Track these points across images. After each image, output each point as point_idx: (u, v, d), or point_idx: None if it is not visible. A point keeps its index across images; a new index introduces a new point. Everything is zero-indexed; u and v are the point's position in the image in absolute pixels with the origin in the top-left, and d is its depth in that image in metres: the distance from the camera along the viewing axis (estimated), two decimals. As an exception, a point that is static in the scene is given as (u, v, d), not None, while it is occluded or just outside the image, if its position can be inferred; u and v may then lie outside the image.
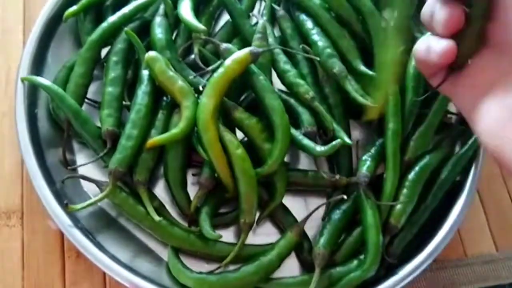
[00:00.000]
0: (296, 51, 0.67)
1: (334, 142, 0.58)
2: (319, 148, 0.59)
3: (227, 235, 0.61)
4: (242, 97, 0.67)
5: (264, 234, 0.62)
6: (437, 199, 0.63)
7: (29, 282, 0.59)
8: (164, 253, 0.60)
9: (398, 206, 0.60)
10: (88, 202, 0.56)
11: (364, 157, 0.62)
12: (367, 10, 0.68)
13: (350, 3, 0.69)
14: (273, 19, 0.72)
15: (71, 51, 0.70)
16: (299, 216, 0.62)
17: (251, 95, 0.66)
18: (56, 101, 0.60)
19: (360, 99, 0.63)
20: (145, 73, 0.62)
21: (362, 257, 0.59)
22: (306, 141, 0.60)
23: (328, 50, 0.65)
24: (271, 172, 0.58)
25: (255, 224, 0.60)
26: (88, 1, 0.67)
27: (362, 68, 0.65)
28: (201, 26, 0.62)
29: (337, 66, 0.64)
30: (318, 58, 0.64)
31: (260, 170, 0.58)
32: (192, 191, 0.62)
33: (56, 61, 0.68)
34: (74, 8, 0.66)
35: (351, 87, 0.63)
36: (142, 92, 0.61)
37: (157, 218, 0.56)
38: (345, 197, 0.60)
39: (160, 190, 0.63)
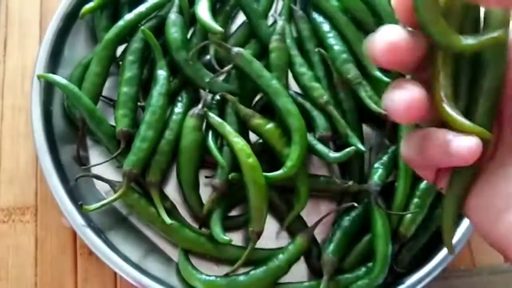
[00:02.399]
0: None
1: (348, 149, 0.58)
2: (333, 154, 0.59)
3: (238, 237, 0.62)
4: (256, 99, 0.67)
5: (273, 238, 0.63)
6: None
7: (42, 278, 0.60)
8: (174, 253, 0.61)
9: (409, 215, 0.60)
10: (101, 203, 0.57)
11: (376, 165, 0.62)
12: (386, 14, 0.67)
13: (369, 6, 0.68)
14: (290, 18, 0.71)
15: (87, 45, 0.70)
16: (309, 220, 0.63)
17: (264, 97, 0.66)
18: (72, 100, 0.60)
19: (374, 106, 0.62)
20: (160, 73, 0.62)
21: (370, 264, 0.59)
22: (320, 146, 0.61)
23: (344, 55, 0.64)
24: (291, 175, 0.58)
25: (269, 229, 0.61)
26: (105, -2, 0.66)
27: (378, 73, 0.65)
28: (218, 28, 0.61)
29: (352, 72, 0.63)
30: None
31: (279, 173, 0.58)
32: (204, 192, 0.62)
33: (72, 55, 0.68)
34: (90, 4, 0.66)
35: (365, 93, 0.63)
36: (158, 93, 0.61)
37: (168, 221, 0.57)
38: (355, 204, 0.60)
39: (171, 189, 0.64)
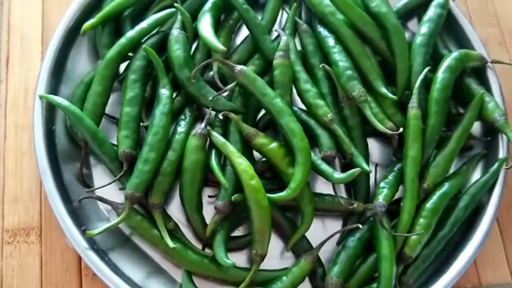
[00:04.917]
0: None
1: (352, 170, 0.57)
2: (338, 175, 0.58)
3: (242, 258, 0.62)
4: (259, 115, 0.67)
5: (278, 257, 0.62)
6: (455, 228, 0.62)
7: (47, 299, 0.60)
8: (177, 274, 0.60)
9: (414, 236, 0.59)
10: (104, 227, 0.57)
11: (382, 184, 0.62)
12: (392, 27, 0.66)
13: (374, 19, 0.66)
14: (294, 32, 0.70)
15: (89, 60, 0.69)
16: (314, 238, 0.62)
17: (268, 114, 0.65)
18: (74, 121, 0.60)
19: (379, 126, 0.62)
20: (163, 92, 0.62)
21: (374, 286, 0.59)
22: (325, 166, 0.60)
23: (349, 72, 0.63)
24: (295, 197, 0.58)
25: (273, 249, 0.60)
26: (106, 14, 0.66)
27: (383, 90, 0.64)
28: (220, 46, 0.61)
29: (356, 89, 0.62)
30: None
31: (282, 195, 0.57)
32: (208, 210, 0.62)
33: (74, 71, 0.68)
34: (91, 21, 0.65)
35: (370, 111, 0.62)
36: (160, 113, 0.60)
37: (171, 244, 0.57)
38: (360, 226, 0.60)
39: (175, 209, 0.63)
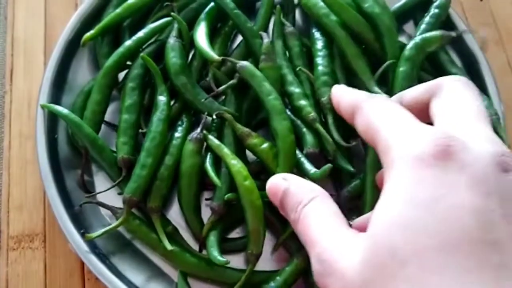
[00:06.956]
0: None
1: (325, 167, 0.58)
2: (313, 172, 0.59)
3: (238, 260, 0.62)
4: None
5: (272, 259, 0.63)
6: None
7: (51, 304, 0.62)
8: (178, 277, 0.62)
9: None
10: (103, 230, 0.58)
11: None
12: (386, 28, 0.66)
13: (368, 20, 0.67)
14: (282, 32, 0.71)
15: (90, 71, 0.71)
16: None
17: (258, 117, 0.68)
18: (74, 129, 0.62)
19: (336, 136, 0.62)
20: (161, 99, 0.63)
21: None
22: (303, 163, 0.61)
23: (325, 78, 0.64)
24: None
25: (267, 251, 0.61)
26: (105, 25, 0.68)
27: (376, 90, 0.65)
28: (215, 57, 0.62)
29: (326, 96, 0.63)
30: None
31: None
32: (206, 213, 0.63)
33: (76, 81, 0.70)
34: (91, 32, 0.67)
35: (332, 120, 0.62)
36: (157, 119, 0.62)
37: (169, 247, 0.58)
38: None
39: (174, 213, 0.65)
